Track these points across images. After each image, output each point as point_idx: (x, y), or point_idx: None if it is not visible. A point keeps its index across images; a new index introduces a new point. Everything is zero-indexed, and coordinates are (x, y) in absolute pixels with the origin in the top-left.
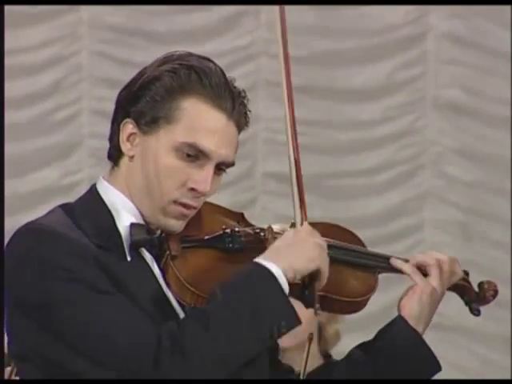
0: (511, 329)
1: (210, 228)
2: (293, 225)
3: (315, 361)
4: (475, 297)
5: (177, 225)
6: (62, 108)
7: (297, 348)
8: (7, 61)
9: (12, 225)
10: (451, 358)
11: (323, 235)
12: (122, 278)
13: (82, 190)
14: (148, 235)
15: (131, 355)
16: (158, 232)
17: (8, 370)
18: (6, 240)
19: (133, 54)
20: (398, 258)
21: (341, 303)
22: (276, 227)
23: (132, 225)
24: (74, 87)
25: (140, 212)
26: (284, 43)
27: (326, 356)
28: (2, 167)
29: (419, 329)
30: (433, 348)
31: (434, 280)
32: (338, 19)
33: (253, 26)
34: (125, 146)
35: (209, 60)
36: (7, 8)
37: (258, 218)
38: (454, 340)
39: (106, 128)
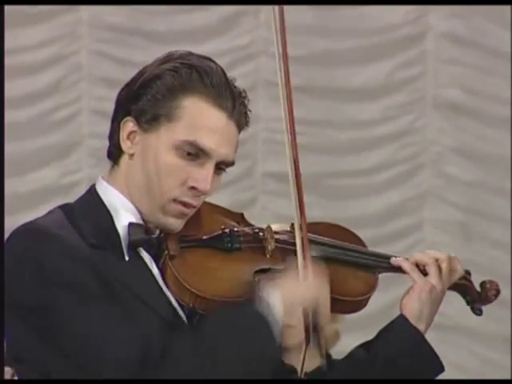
0: (511, 328)
1: (209, 228)
2: (292, 225)
3: (315, 361)
4: (477, 296)
5: (176, 223)
6: (61, 107)
7: (299, 347)
8: (7, 60)
9: (12, 224)
10: (451, 357)
11: (324, 235)
12: (119, 279)
13: (81, 190)
14: (146, 235)
15: (115, 364)
16: (157, 232)
17: (9, 370)
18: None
19: (132, 53)
20: (398, 257)
21: (341, 303)
22: (275, 227)
23: (130, 224)
24: (74, 87)
25: (139, 211)
26: (283, 43)
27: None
28: (1, 166)
29: (420, 327)
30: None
31: (432, 278)
32: (337, 19)
33: (252, 26)
34: (125, 144)
35: (210, 59)
36: (7, 7)
37: (257, 218)
38: (454, 340)
39: (105, 128)
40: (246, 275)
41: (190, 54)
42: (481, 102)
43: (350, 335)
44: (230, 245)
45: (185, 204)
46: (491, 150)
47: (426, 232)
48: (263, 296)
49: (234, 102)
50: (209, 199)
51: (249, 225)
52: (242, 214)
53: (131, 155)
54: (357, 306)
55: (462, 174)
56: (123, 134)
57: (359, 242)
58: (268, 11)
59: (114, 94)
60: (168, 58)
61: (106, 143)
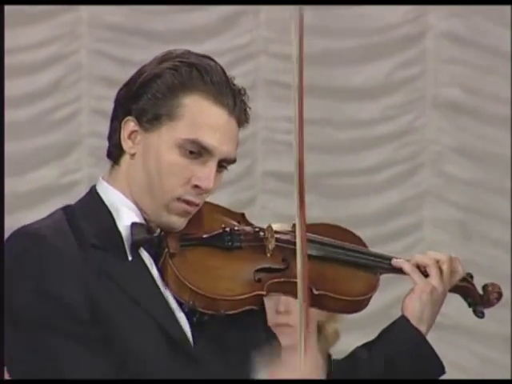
0: (511, 328)
1: (209, 227)
2: (294, 226)
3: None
4: (479, 299)
5: (179, 222)
6: (61, 107)
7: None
8: (6, 60)
9: (12, 223)
10: (451, 357)
11: (324, 236)
12: (117, 280)
13: (81, 189)
14: (148, 234)
15: None
16: (158, 230)
17: None
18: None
19: (132, 53)
20: (399, 259)
21: (342, 302)
22: (276, 226)
23: (133, 224)
24: (74, 86)
25: (141, 210)
26: (301, 46)
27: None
28: (1, 166)
29: (422, 328)
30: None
31: (433, 280)
32: (337, 18)
33: (252, 25)
34: (126, 144)
35: (208, 58)
36: (6, 6)
37: (257, 217)
38: (453, 339)
39: (105, 127)
40: (246, 274)
41: (189, 52)
42: (481, 102)
43: (351, 335)
44: (230, 243)
45: (188, 202)
46: (491, 149)
47: (425, 231)
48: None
49: (234, 100)
50: (209, 198)
51: (249, 225)
52: (242, 214)
53: (132, 155)
54: (358, 306)
55: (461, 174)
56: (124, 134)
57: (360, 242)
58: (268, 11)
59: (113, 94)
60: (167, 57)
61: (106, 143)
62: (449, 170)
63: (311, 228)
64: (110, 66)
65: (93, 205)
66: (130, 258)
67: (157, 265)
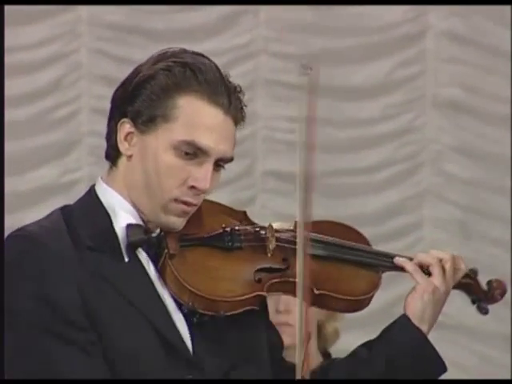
0: (511, 327)
1: (210, 226)
2: (296, 225)
3: (314, 359)
4: (483, 295)
5: (178, 222)
6: (61, 106)
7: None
8: (7, 59)
9: (12, 223)
10: (451, 356)
11: (327, 233)
12: (112, 281)
13: (81, 189)
14: (145, 235)
15: None
16: (157, 230)
17: None
18: None
19: (132, 52)
20: (402, 257)
21: (343, 302)
22: (276, 225)
23: (129, 226)
24: (74, 85)
25: (139, 211)
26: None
27: (325, 354)
28: (1, 165)
29: (423, 328)
30: None
31: (436, 279)
32: (337, 18)
33: (252, 25)
34: (123, 146)
35: (203, 56)
36: (6, 5)
37: (257, 216)
38: (454, 338)
39: (105, 126)
40: (246, 274)
41: (184, 51)
42: (480, 101)
43: (352, 333)
44: (230, 244)
45: (186, 203)
46: (491, 148)
47: (425, 230)
48: None
49: (229, 98)
50: (209, 197)
51: (251, 223)
52: (244, 212)
53: (129, 157)
54: (359, 305)
55: (461, 173)
56: (120, 136)
57: (363, 240)
58: (267, 10)
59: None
60: (161, 57)
61: (105, 143)
62: (449, 169)
63: (315, 225)
64: (110, 65)
65: (91, 206)
66: (126, 260)
67: (156, 265)
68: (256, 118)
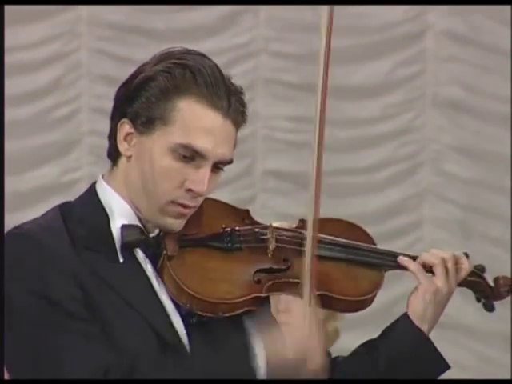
0: (511, 327)
1: (210, 226)
2: (297, 224)
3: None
4: (490, 292)
5: (176, 224)
6: (61, 105)
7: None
8: (7, 58)
9: (12, 222)
10: (451, 355)
11: (332, 232)
12: (108, 281)
13: (81, 188)
14: (142, 235)
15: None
16: (156, 231)
17: None
18: None
19: (132, 51)
20: (406, 256)
21: (345, 302)
22: (277, 225)
23: (123, 226)
24: (74, 85)
25: (138, 212)
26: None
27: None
28: (1, 165)
29: (424, 328)
30: None
31: (438, 279)
32: (337, 17)
33: (252, 24)
34: (122, 146)
35: (205, 57)
36: (6, 5)
37: (257, 216)
38: (453, 338)
39: (105, 125)
40: (245, 275)
41: (186, 52)
42: (480, 100)
43: (352, 333)
44: (229, 244)
45: (183, 205)
46: (491, 147)
47: (425, 230)
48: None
49: (229, 101)
50: (210, 196)
51: (254, 221)
52: (247, 211)
53: (129, 157)
54: (362, 304)
55: (461, 172)
56: (120, 136)
57: (368, 238)
58: (267, 9)
59: (113, 92)
60: (163, 57)
61: (106, 141)
62: (449, 168)
63: (320, 223)
64: (110, 65)
65: (90, 205)
66: (121, 260)
67: (155, 266)
68: (256, 117)
